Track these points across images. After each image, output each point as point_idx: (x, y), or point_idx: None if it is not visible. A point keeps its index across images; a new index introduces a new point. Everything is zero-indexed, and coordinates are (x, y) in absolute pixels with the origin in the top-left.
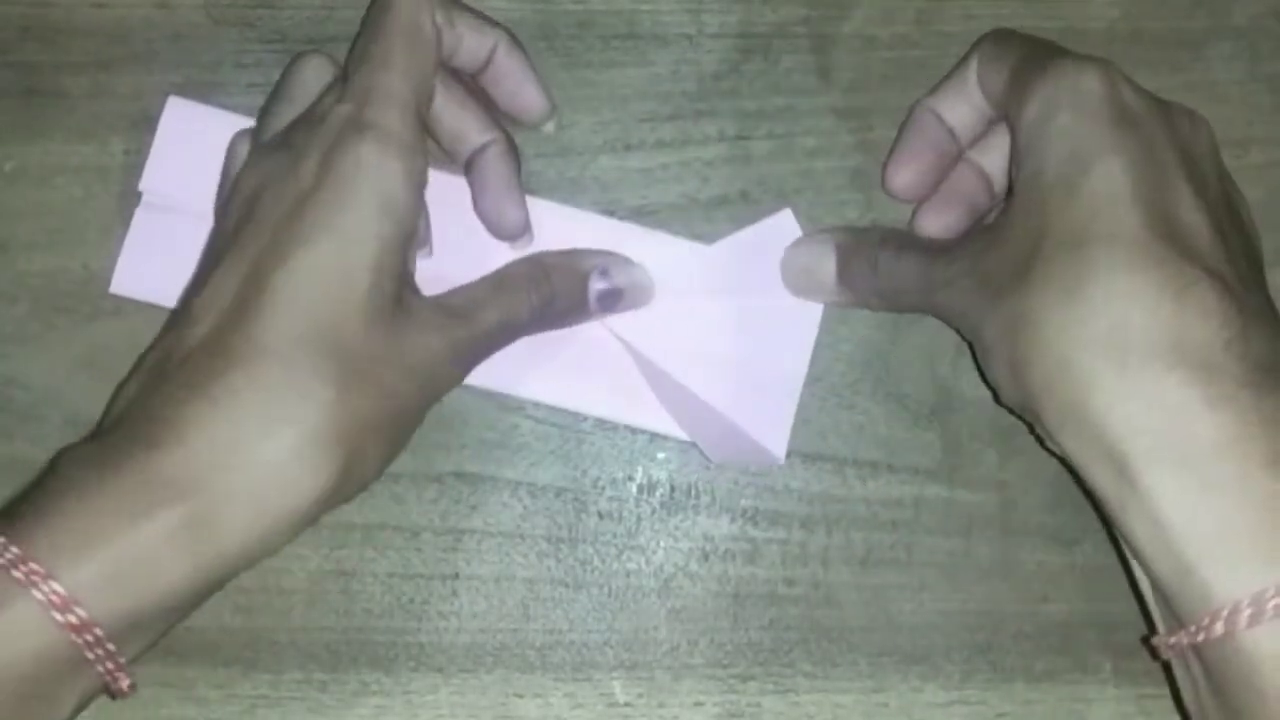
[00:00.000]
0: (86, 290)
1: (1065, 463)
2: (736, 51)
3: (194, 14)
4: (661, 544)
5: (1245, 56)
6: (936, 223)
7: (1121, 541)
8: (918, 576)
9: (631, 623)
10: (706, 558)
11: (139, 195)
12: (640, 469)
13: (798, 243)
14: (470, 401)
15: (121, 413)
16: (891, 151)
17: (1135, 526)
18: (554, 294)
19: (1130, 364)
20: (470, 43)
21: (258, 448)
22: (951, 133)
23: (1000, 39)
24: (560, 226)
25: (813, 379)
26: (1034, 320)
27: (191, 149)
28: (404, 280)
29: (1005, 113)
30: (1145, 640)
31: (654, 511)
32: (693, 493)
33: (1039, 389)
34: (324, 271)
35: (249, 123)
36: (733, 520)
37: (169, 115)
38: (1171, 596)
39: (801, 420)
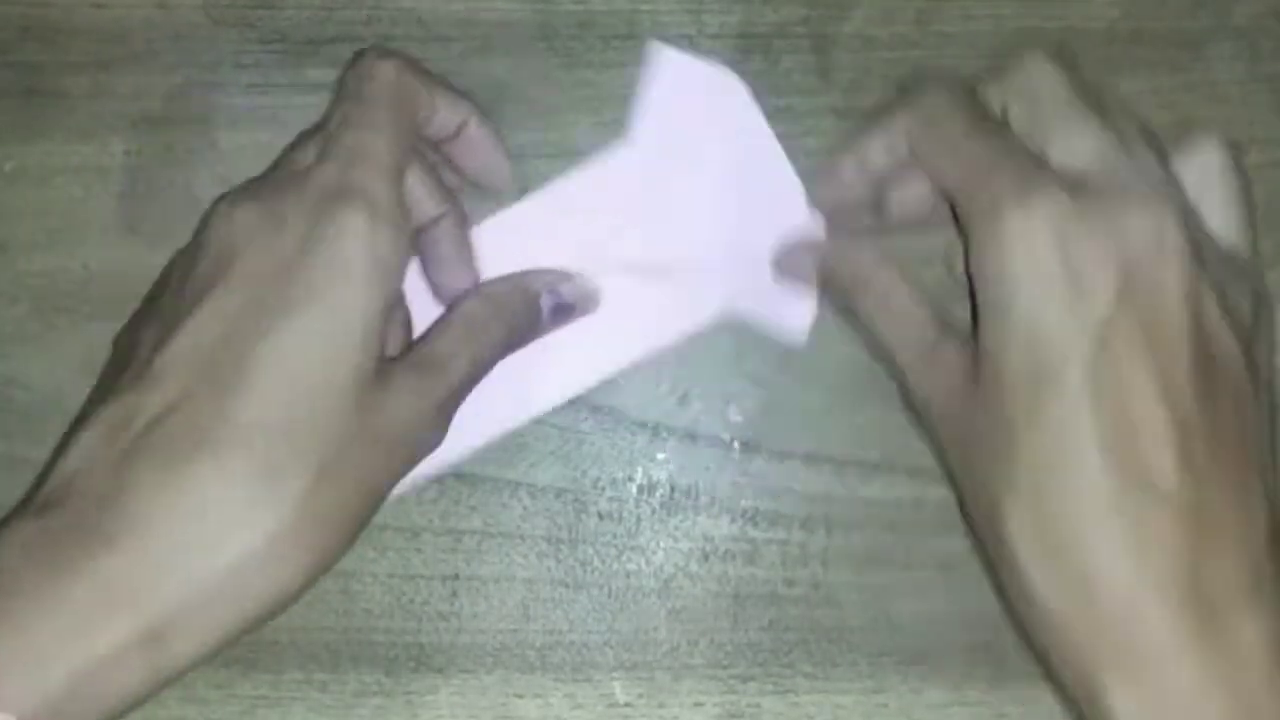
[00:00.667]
0: (86, 290)
1: None
2: (736, 52)
3: (194, 14)
4: (661, 544)
5: (1246, 56)
6: (905, 201)
7: None
8: (918, 577)
9: (631, 623)
10: (706, 558)
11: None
12: (640, 469)
13: (789, 244)
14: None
15: (71, 480)
16: (817, 184)
17: None
18: (514, 323)
19: (1099, 611)
20: (444, 114)
21: (223, 551)
22: (874, 175)
23: (929, 120)
24: (541, 219)
25: (813, 378)
26: (1007, 545)
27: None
28: (383, 350)
29: (954, 208)
30: None
31: (654, 512)
32: (693, 493)
33: (1020, 613)
34: (309, 348)
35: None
36: (733, 521)
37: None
38: None
39: (802, 421)
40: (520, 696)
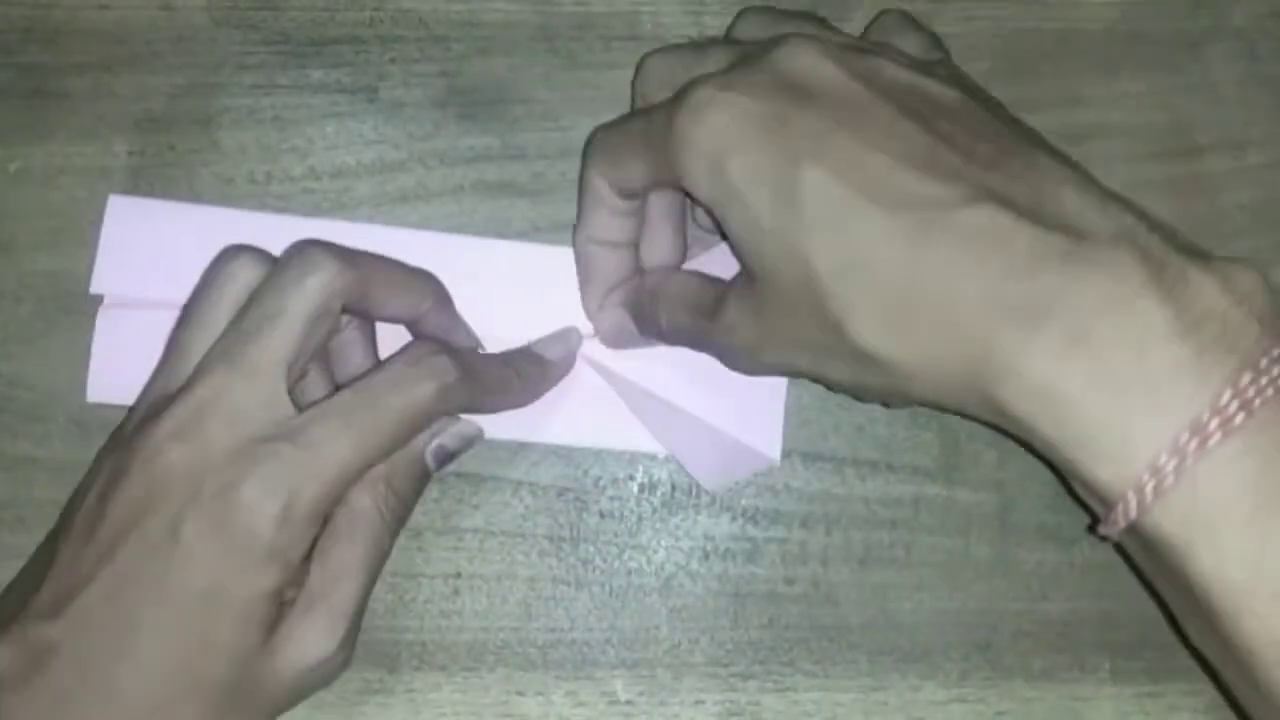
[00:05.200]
0: (90, 291)
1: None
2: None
3: (197, 15)
4: (662, 543)
5: (1244, 57)
6: (658, 254)
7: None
8: (917, 575)
9: (633, 621)
10: (707, 557)
11: (96, 299)
12: (641, 468)
13: (604, 307)
14: None
15: None
16: (582, 299)
17: (1037, 448)
18: (402, 501)
19: (963, 330)
20: (397, 306)
21: None
22: (622, 246)
23: (608, 146)
24: (529, 263)
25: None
26: (872, 353)
27: (140, 244)
28: (280, 597)
29: (670, 186)
30: (1090, 528)
31: (655, 511)
32: (693, 492)
33: (910, 394)
34: (194, 617)
35: (193, 210)
36: (733, 519)
37: (111, 215)
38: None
39: (801, 420)
40: (522, 694)
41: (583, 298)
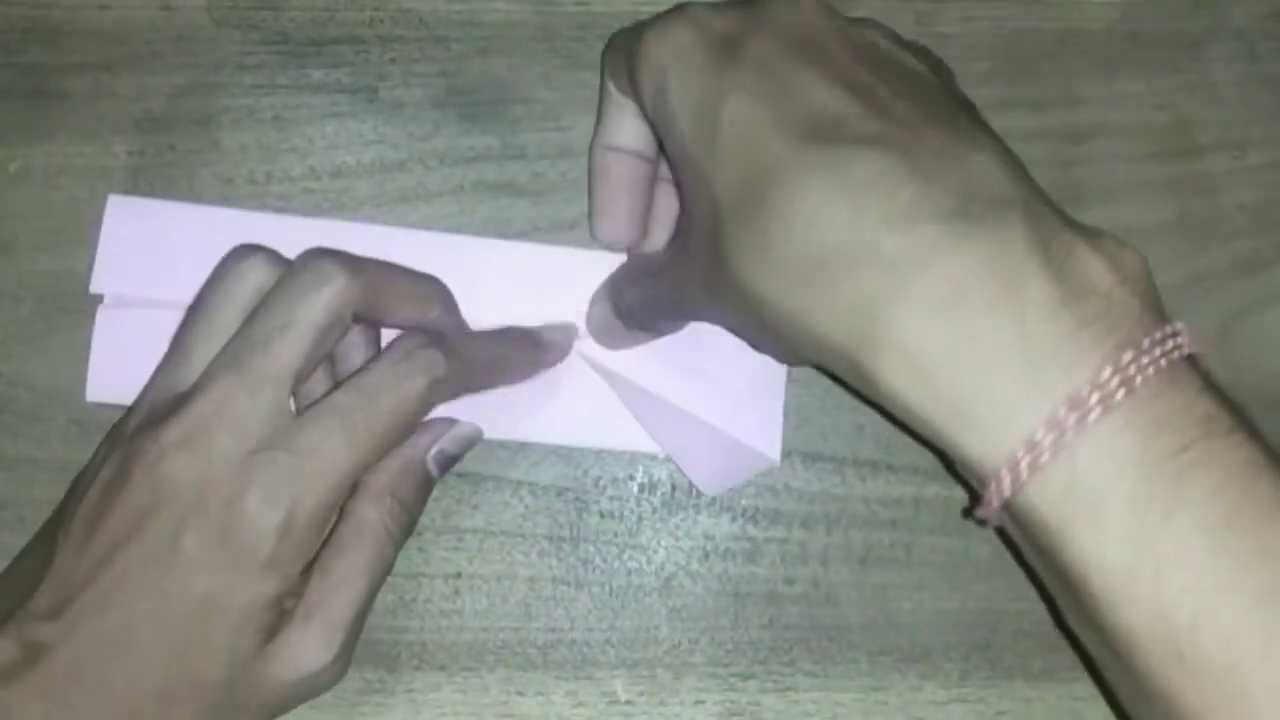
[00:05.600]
0: (89, 290)
1: None
2: None
3: (197, 15)
4: (662, 543)
5: (1244, 57)
6: (653, 249)
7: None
8: (917, 575)
9: (633, 621)
10: (707, 557)
11: (96, 299)
12: (641, 468)
13: (590, 307)
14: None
15: None
16: (591, 205)
17: (904, 420)
18: (406, 511)
19: (833, 278)
20: (405, 313)
21: None
22: (634, 155)
23: (610, 46)
24: (529, 263)
25: (813, 379)
26: (745, 287)
27: (139, 244)
28: (279, 605)
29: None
30: (965, 513)
31: (655, 511)
32: (693, 492)
33: (790, 344)
34: (192, 622)
35: (192, 210)
36: (733, 519)
37: (110, 215)
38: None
39: (801, 420)
40: (522, 694)
41: (593, 210)
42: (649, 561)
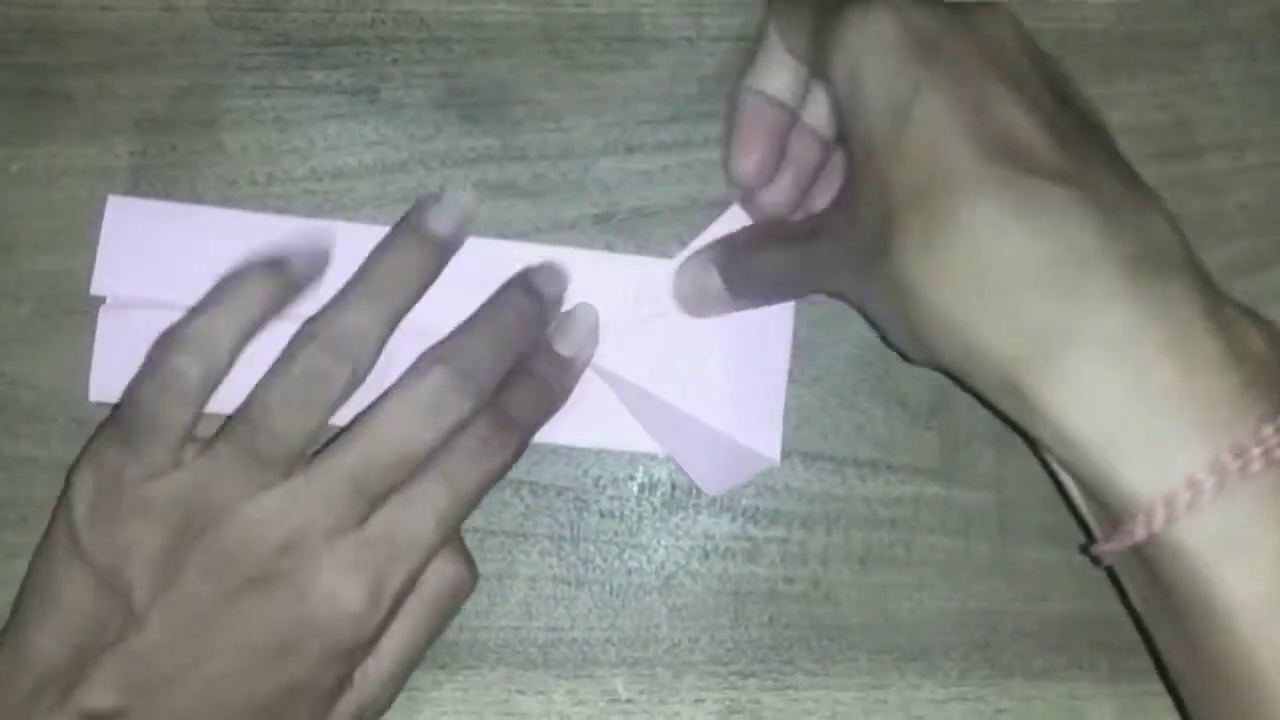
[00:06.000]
0: (90, 292)
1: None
2: (737, 54)
3: (198, 16)
4: (662, 542)
5: (1243, 58)
6: (775, 195)
7: (1048, 462)
8: (916, 575)
9: (633, 620)
10: (707, 556)
11: (97, 300)
12: (641, 468)
13: (681, 268)
14: None
15: None
16: (729, 141)
17: (1051, 446)
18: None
19: (1007, 297)
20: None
21: None
22: (781, 104)
23: (788, 2)
24: (530, 263)
25: (812, 379)
26: (908, 285)
27: (140, 245)
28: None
29: (816, 73)
30: (1083, 549)
31: (655, 510)
32: (693, 492)
33: (936, 349)
34: (273, 709)
35: (193, 210)
36: (733, 519)
37: (110, 216)
38: (1099, 503)
39: (801, 420)
40: (522, 693)
41: (731, 148)
42: (649, 561)
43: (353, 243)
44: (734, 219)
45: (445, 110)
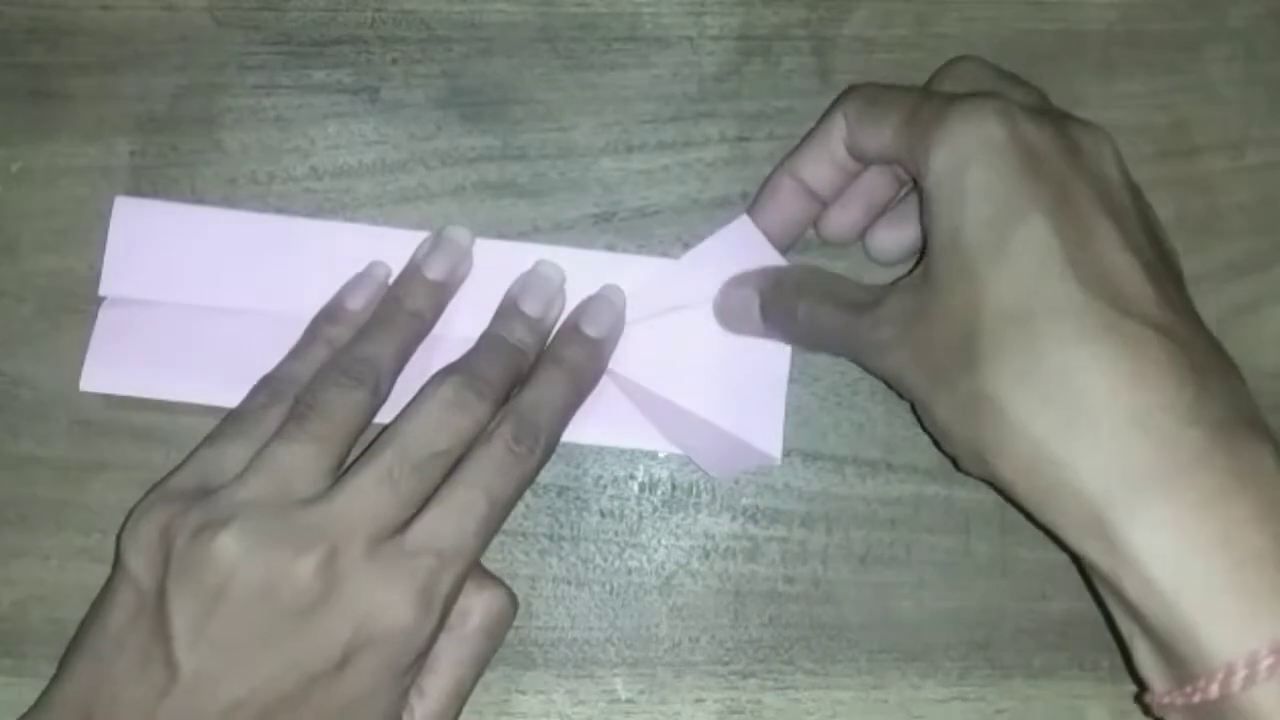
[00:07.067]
0: (92, 290)
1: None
2: (737, 53)
3: (199, 16)
4: (663, 542)
5: (1243, 58)
6: (842, 219)
7: (1112, 604)
8: (917, 574)
9: (633, 620)
10: (707, 555)
11: (102, 300)
12: (641, 468)
13: (729, 285)
14: None
15: None
16: (751, 212)
17: (1128, 590)
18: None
19: (1103, 437)
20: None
21: None
22: (812, 194)
23: (869, 99)
24: (530, 263)
25: (812, 379)
26: (993, 405)
27: (147, 246)
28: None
29: (903, 166)
30: (1137, 698)
31: (655, 510)
32: (694, 491)
33: (1012, 473)
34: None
35: (199, 212)
36: (733, 518)
37: (117, 217)
38: (1167, 656)
39: (801, 420)
40: (523, 692)
41: (751, 214)
42: (649, 560)
43: (353, 243)
44: (742, 230)
45: (446, 110)
